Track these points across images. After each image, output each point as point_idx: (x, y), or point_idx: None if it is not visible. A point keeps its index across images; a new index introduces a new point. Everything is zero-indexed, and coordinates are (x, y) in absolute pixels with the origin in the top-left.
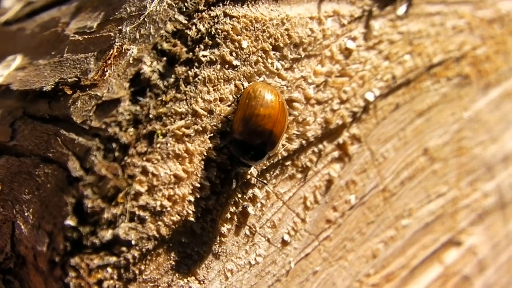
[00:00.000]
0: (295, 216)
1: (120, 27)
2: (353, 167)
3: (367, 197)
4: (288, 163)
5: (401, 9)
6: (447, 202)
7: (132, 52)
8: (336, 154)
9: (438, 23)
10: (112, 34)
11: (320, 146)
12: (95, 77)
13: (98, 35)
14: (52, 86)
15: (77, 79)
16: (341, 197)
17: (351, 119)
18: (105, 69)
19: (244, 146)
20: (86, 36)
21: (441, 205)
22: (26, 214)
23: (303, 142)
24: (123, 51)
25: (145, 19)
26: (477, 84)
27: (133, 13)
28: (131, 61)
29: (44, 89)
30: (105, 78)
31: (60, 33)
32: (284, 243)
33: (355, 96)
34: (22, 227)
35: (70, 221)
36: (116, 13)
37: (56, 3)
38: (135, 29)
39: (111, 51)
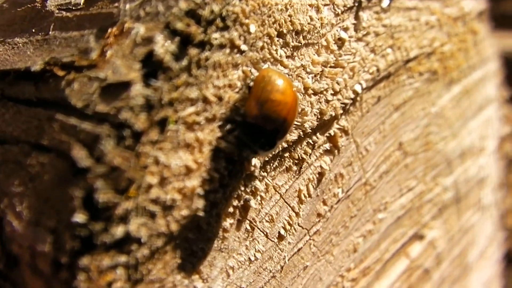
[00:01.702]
0: (290, 209)
1: (116, 4)
2: (341, 159)
3: (351, 191)
4: (286, 154)
5: (385, 2)
6: (415, 196)
7: (139, 31)
8: (327, 146)
9: (414, 18)
10: (113, 10)
11: (314, 137)
12: (99, 58)
13: (94, 11)
14: (42, 66)
15: (75, 58)
16: (330, 190)
17: (342, 110)
18: (105, 49)
19: (255, 131)
20: (77, 13)
21: (410, 199)
22: (18, 209)
23: (301, 133)
24: (125, 29)
25: None
26: (443, 80)
27: None
28: (138, 41)
29: (32, 69)
30: (106, 58)
31: (41, 9)
32: (280, 237)
33: (346, 87)
34: (14, 223)
35: (79, 218)
36: None
37: None
38: (138, 6)
39: (112, 29)
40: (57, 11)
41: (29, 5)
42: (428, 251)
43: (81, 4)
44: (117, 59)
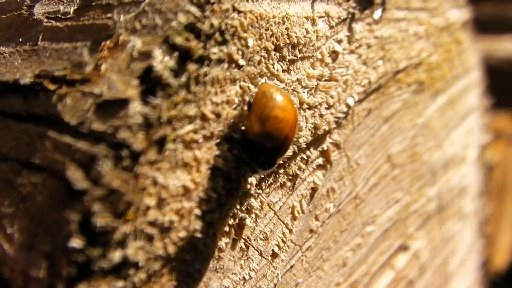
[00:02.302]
0: (284, 226)
1: (109, 15)
2: (333, 174)
3: (342, 205)
4: (281, 171)
5: (377, 13)
6: (401, 208)
7: (135, 45)
8: (320, 161)
9: (404, 29)
10: (108, 22)
11: (308, 152)
12: (92, 72)
13: (87, 22)
14: (32, 79)
15: (67, 72)
16: (322, 205)
17: (335, 124)
18: (99, 63)
19: (255, 149)
20: (68, 23)
21: (397, 211)
22: (9, 231)
23: (296, 149)
24: (120, 42)
25: (145, 8)
26: (429, 91)
27: (125, 0)
28: (135, 55)
29: (21, 82)
30: (100, 73)
31: (28, 17)
32: (274, 255)
33: (339, 101)
34: (5, 246)
35: (76, 243)
36: None
37: None
38: (134, 18)
39: (106, 42)
40: (46, 20)
41: (15, 12)
42: (413, 262)
43: (71, 13)
44: (113, 74)
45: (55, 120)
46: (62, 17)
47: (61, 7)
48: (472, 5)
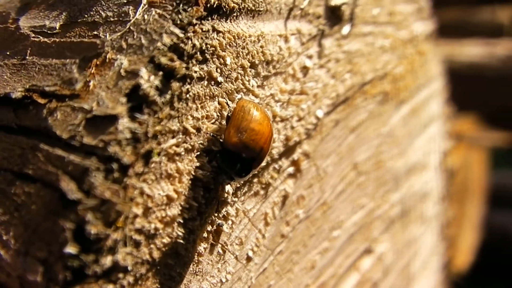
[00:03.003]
0: (257, 232)
1: (95, 32)
2: (303, 182)
3: (311, 211)
4: (255, 180)
5: (345, 29)
6: (366, 213)
7: (122, 63)
8: (291, 170)
9: (370, 43)
10: (96, 41)
11: (280, 162)
12: (82, 88)
13: (74, 39)
14: (23, 94)
15: (57, 88)
16: (293, 211)
17: (305, 136)
18: (88, 79)
19: (233, 158)
20: (56, 39)
21: (362, 216)
22: (5, 237)
23: (269, 159)
24: (107, 60)
25: (131, 27)
26: (393, 101)
27: (111, 19)
28: (122, 73)
29: (13, 96)
30: (89, 89)
31: (15, 31)
32: (248, 259)
33: (309, 113)
34: (2, 252)
35: (71, 249)
36: (86, 15)
37: None
38: (119, 37)
39: (94, 60)
40: (33, 35)
41: (0, 25)
42: (377, 265)
43: (57, 28)
44: (101, 90)
45: (46, 133)
46: (48, 32)
47: (47, 22)
48: (435, 10)
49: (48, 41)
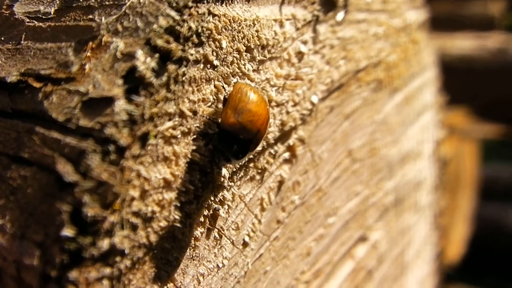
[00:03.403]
0: (253, 217)
1: (90, 16)
2: (298, 168)
3: (307, 197)
4: (251, 165)
5: (340, 15)
6: (361, 201)
7: (118, 46)
8: (286, 155)
9: (364, 30)
10: (92, 24)
11: (276, 147)
12: (77, 71)
13: (70, 23)
14: (18, 77)
15: (53, 71)
16: (288, 197)
17: (300, 121)
18: (83, 62)
19: (230, 139)
20: (51, 24)
21: (357, 204)
22: (1, 222)
23: (264, 144)
24: (102, 43)
25: (127, 10)
26: (387, 89)
27: (106, 2)
28: (118, 56)
29: (8, 80)
30: (85, 72)
31: (9, 17)
32: (245, 244)
33: (304, 99)
34: None
35: (68, 232)
36: (80, 0)
37: None
38: (115, 20)
39: (90, 43)
40: (27, 19)
41: None
42: (371, 253)
43: (51, 13)
44: (97, 73)
45: (41, 116)
46: (43, 17)
47: (41, 7)
48: (428, 3)
49: (43, 26)
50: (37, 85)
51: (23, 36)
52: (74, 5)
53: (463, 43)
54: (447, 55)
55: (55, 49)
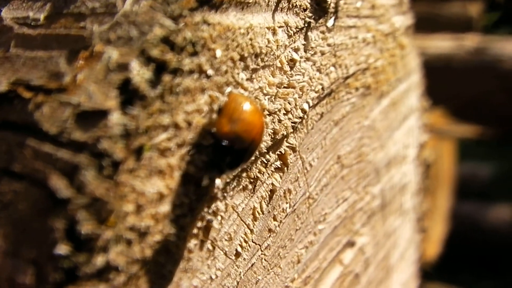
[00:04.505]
0: (246, 227)
1: (81, 24)
2: (290, 176)
3: (297, 205)
4: (244, 174)
5: (330, 21)
6: (349, 206)
7: (111, 56)
8: (278, 164)
9: (353, 36)
10: (83, 33)
11: (267, 156)
12: (69, 82)
13: (60, 31)
14: (8, 87)
15: (44, 81)
16: (280, 206)
17: (292, 129)
18: (76, 73)
19: (223, 150)
20: (40, 31)
21: (345, 209)
22: None
23: (257, 153)
24: (94, 52)
25: (119, 19)
26: (374, 94)
27: (98, 10)
28: (111, 67)
29: None
30: (77, 82)
31: None
32: (237, 254)
33: (296, 107)
34: None
35: (62, 250)
36: (71, 6)
37: None
38: (108, 29)
39: (82, 53)
40: (17, 26)
41: None
42: (358, 257)
43: (41, 20)
44: (90, 84)
45: (32, 128)
46: (32, 23)
47: (30, 13)
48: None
49: (32, 33)
50: (27, 95)
51: (12, 43)
52: (64, 11)
53: (441, 43)
54: (425, 54)
55: (45, 58)
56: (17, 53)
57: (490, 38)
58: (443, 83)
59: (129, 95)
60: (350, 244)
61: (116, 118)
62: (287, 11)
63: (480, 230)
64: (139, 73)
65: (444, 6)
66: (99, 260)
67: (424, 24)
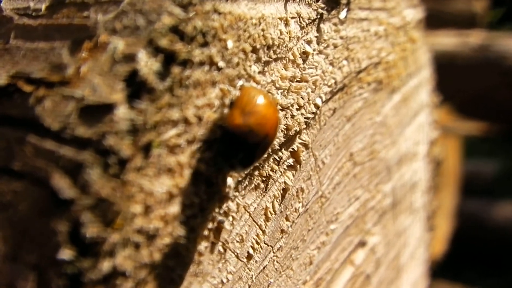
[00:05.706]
0: (258, 228)
1: (85, 14)
2: (302, 174)
3: (309, 204)
4: (256, 173)
5: (343, 13)
6: (361, 205)
7: (117, 46)
8: (291, 161)
9: (366, 29)
10: (87, 22)
11: (280, 153)
12: (73, 74)
13: (63, 21)
14: (8, 80)
15: (45, 74)
16: (292, 205)
17: (305, 125)
18: (79, 64)
19: (236, 144)
20: (41, 21)
21: (357, 208)
22: None
23: (269, 150)
24: (99, 43)
25: (125, 7)
26: (386, 89)
27: None
28: (117, 58)
29: None
30: (80, 75)
31: None
32: (249, 257)
33: (309, 101)
34: None
35: (65, 255)
36: None
37: None
38: (113, 18)
39: (86, 43)
40: (17, 17)
41: None
42: (369, 257)
43: (42, 10)
44: (94, 76)
45: (33, 123)
46: (33, 14)
47: (31, 3)
48: None
49: (33, 24)
50: (27, 89)
51: (12, 34)
52: (66, 1)
53: (446, 40)
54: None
55: (47, 49)
56: (17, 44)
57: (495, 34)
58: (448, 80)
59: (136, 88)
60: (362, 244)
61: (122, 113)
62: (299, 2)
63: (484, 227)
64: (147, 65)
65: (449, 2)
66: (105, 265)
67: (428, 20)
